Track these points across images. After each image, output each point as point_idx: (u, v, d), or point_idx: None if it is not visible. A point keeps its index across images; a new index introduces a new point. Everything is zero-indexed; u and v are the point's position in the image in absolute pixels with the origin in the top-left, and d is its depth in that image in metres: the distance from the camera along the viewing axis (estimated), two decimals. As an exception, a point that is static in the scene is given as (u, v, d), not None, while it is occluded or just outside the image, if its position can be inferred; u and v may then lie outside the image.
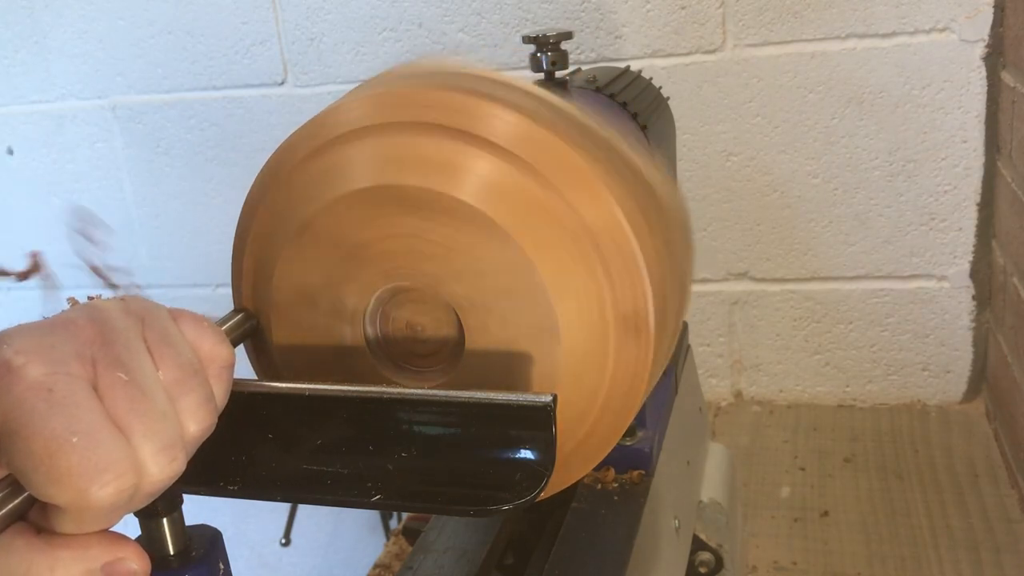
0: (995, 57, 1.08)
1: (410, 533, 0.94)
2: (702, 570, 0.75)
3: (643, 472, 0.65)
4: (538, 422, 0.38)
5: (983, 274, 1.16)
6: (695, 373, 0.88)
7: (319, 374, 0.50)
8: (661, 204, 0.51)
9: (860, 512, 1.02)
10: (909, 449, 1.13)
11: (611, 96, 0.67)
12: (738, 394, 1.31)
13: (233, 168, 1.42)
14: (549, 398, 0.38)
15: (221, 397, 0.38)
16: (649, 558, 0.61)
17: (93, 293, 0.39)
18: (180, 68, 1.40)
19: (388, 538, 1.25)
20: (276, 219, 0.49)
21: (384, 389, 0.40)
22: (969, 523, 0.98)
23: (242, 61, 1.36)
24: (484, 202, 0.44)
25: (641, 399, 0.48)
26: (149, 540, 0.42)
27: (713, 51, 1.17)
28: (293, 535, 1.47)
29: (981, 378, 1.20)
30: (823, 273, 1.22)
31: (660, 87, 0.81)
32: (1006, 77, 1.06)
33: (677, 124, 0.85)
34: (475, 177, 0.45)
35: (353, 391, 0.40)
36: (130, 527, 0.39)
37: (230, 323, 0.49)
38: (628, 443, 0.66)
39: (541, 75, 0.68)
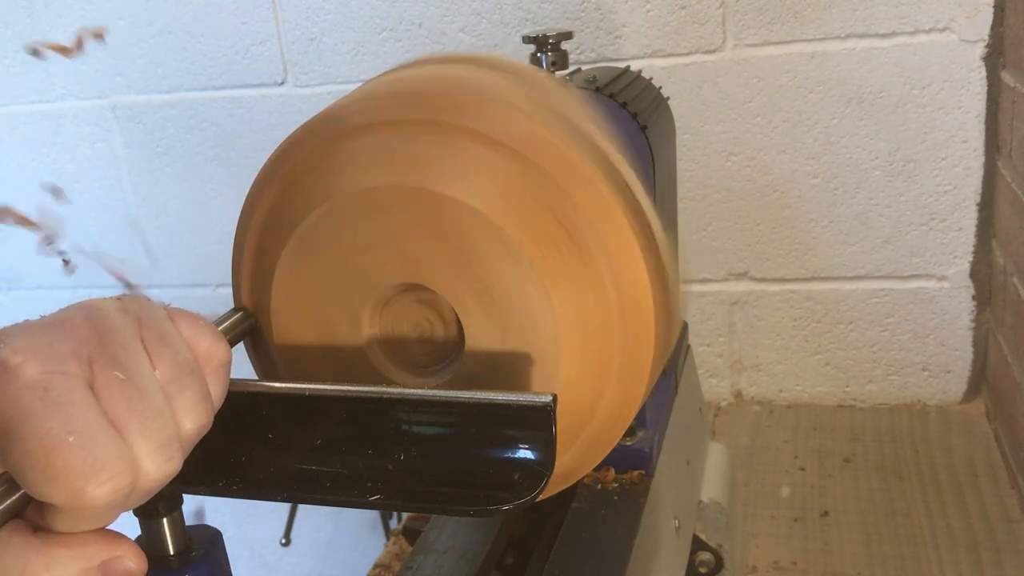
0: (995, 57, 1.08)
1: (410, 533, 0.94)
2: (702, 570, 0.75)
3: (643, 472, 0.65)
4: (538, 422, 0.38)
5: (983, 274, 1.16)
6: (695, 373, 0.88)
7: (319, 374, 0.50)
8: (648, 208, 0.51)
9: (860, 512, 1.02)
10: (909, 449, 1.13)
11: (611, 96, 0.66)
12: (738, 394, 1.31)
13: (233, 168, 1.42)
14: (549, 398, 0.38)
15: (218, 395, 0.38)
16: (649, 558, 0.61)
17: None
18: (180, 68, 1.40)
19: (388, 538, 1.25)
20: (277, 218, 0.49)
21: (384, 389, 0.40)
22: (969, 523, 0.98)
23: (242, 61, 1.36)
24: (485, 203, 0.44)
25: (641, 399, 0.48)
26: (149, 540, 0.42)
27: (713, 51, 1.17)
28: (293, 535, 1.47)
29: (981, 378, 1.20)
30: (823, 273, 1.22)
31: (660, 87, 0.81)
32: (1006, 77, 1.06)
33: (677, 124, 0.85)
34: (477, 177, 0.45)
35: (353, 391, 0.40)
36: (130, 527, 0.39)
37: (228, 322, 0.49)
38: (628, 443, 0.66)
39: (541, 75, 0.68)
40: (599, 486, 0.65)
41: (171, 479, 0.35)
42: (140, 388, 0.34)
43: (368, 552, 1.47)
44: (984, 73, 1.09)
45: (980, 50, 1.08)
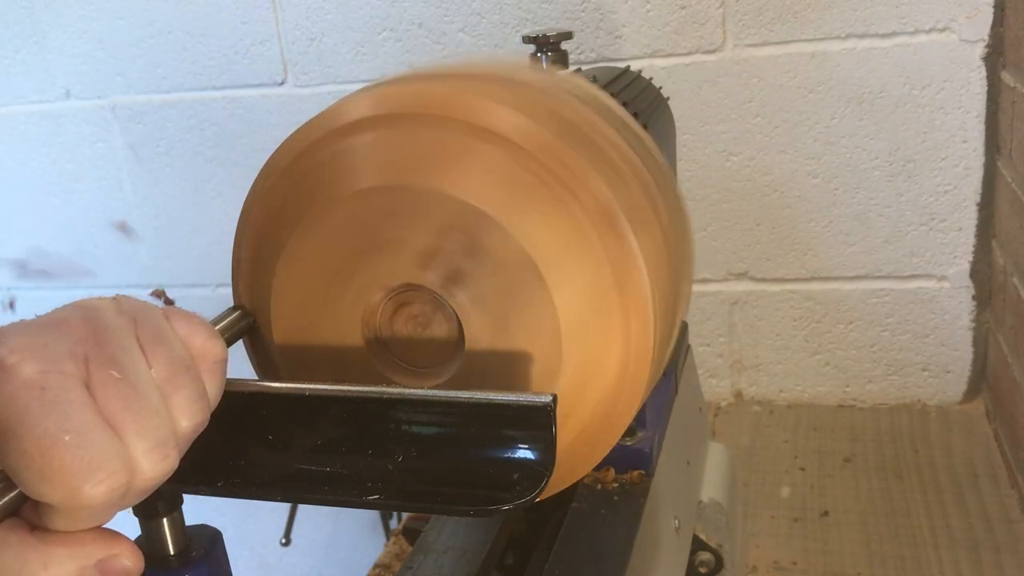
0: (995, 57, 1.08)
1: (410, 533, 0.94)
2: (702, 570, 0.75)
3: (643, 472, 0.65)
4: (538, 422, 0.38)
5: (983, 274, 1.16)
6: (695, 373, 0.88)
7: (319, 374, 0.50)
8: (662, 199, 0.51)
9: (860, 512, 1.02)
10: (909, 449, 1.13)
11: (611, 96, 0.66)
12: (738, 394, 1.31)
13: (233, 168, 1.42)
14: (549, 398, 0.38)
15: (214, 393, 0.38)
16: (649, 558, 0.61)
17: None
18: (180, 68, 1.40)
19: (388, 538, 1.25)
20: (277, 217, 0.49)
21: (384, 389, 0.40)
22: (969, 523, 0.98)
23: (242, 61, 1.36)
24: (486, 202, 0.44)
25: (641, 399, 0.48)
26: (149, 540, 0.42)
27: (713, 51, 1.17)
28: (293, 535, 1.47)
29: (981, 378, 1.20)
30: (823, 273, 1.22)
31: (660, 87, 0.81)
32: (1006, 77, 1.06)
33: (677, 124, 0.85)
34: (477, 176, 0.45)
35: (353, 391, 0.40)
36: (130, 527, 0.39)
37: (226, 320, 0.49)
38: (628, 443, 0.66)
39: (541, 75, 0.68)
40: (599, 486, 0.65)
41: (167, 477, 0.35)
42: (136, 387, 0.34)
43: (368, 552, 1.47)
44: (984, 73, 1.09)
45: (980, 50, 1.08)
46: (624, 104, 0.65)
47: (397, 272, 0.47)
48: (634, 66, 0.83)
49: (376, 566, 1.02)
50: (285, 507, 1.47)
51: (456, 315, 0.47)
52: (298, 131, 0.48)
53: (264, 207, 0.49)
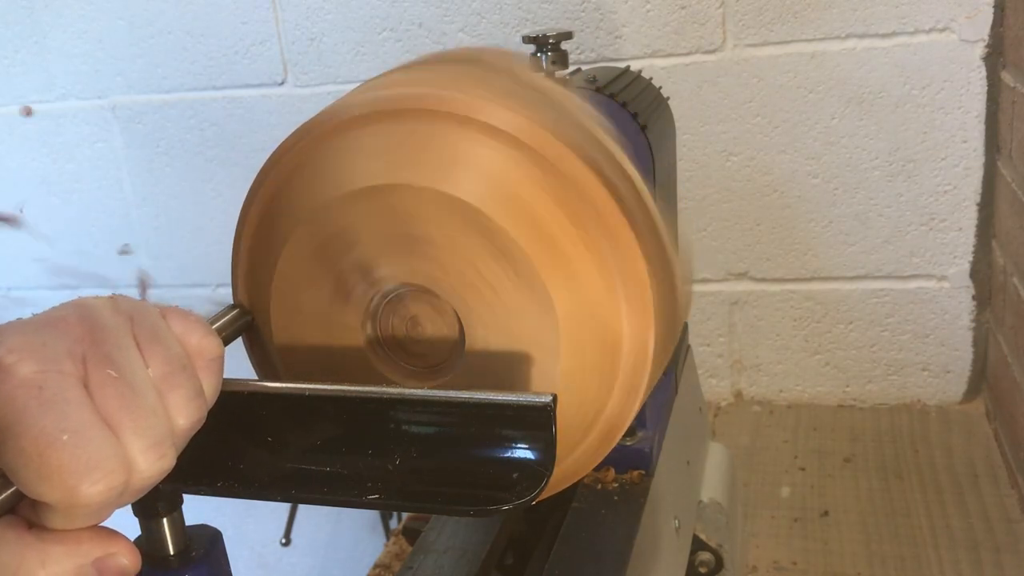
0: (995, 57, 1.08)
1: (410, 533, 0.94)
2: (702, 570, 0.75)
3: (643, 472, 0.65)
4: (538, 422, 0.38)
5: (983, 274, 1.16)
6: (695, 373, 0.88)
7: (319, 373, 0.50)
8: (651, 201, 0.51)
9: (860, 512, 1.02)
10: (909, 449, 1.13)
11: (611, 96, 0.66)
12: (738, 394, 1.31)
13: (233, 168, 1.42)
14: (549, 398, 0.38)
15: (211, 391, 0.38)
16: (649, 558, 0.61)
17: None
18: (180, 68, 1.40)
19: (388, 538, 1.25)
20: (277, 217, 0.49)
21: (384, 389, 0.40)
22: (969, 523, 0.98)
23: (242, 61, 1.36)
24: (486, 202, 0.44)
25: (641, 399, 0.48)
26: (149, 540, 0.42)
27: (713, 51, 1.17)
28: (293, 535, 1.48)
29: (981, 378, 1.20)
30: (823, 273, 1.22)
31: (660, 87, 0.81)
32: (1006, 77, 1.06)
33: (677, 124, 0.85)
34: (478, 175, 0.45)
35: (353, 391, 0.40)
36: (130, 527, 0.39)
37: (224, 319, 0.49)
38: (628, 443, 0.66)
39: (541, 75, 0.68)
40: (599, 486, 0.65)
41: (165, 476, 0.35)
42: (133, 386, 0.34)
43: (368, 552, 1.47)
44: (984, 73, 1.09)
45: (980, 50, 1.08)
46: (624, 104, 0.65)
47: (397, 272, 0.47)
48: (634, 66, 0.83)
49: (376, 566, 1.02)
50: (285, 507, 1.47)
51: (456, 315, 0.47)
52: (297, 130, 0.48)
53: (264, 206, 0.49)
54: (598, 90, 0.67)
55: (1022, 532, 0.96)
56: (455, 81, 0.48)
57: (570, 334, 0.45)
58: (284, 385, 0.42)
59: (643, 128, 0.66)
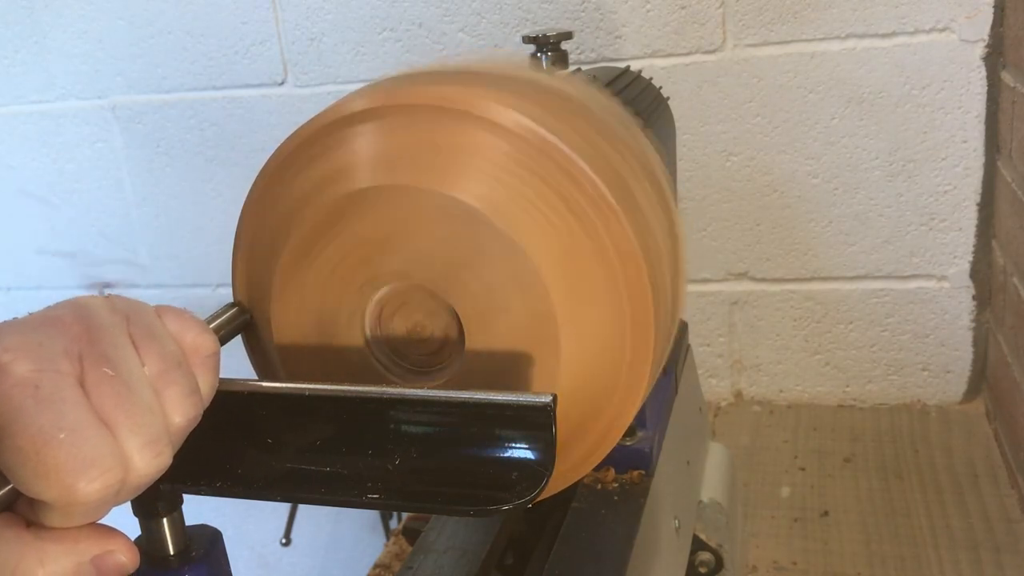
0: (995, 57, 1.08)
1: (410, 533, 0.94)
2: (702, 570, 0.75)
3: (643, 472, 0.65)
4: (538, 422, 0.38)
5: (983, 274, 1.16)
6: (695, 373, 0.88)
7: (318, 373, 0.50)
8: (659, 195, 0.51)
9: (860, 512, 1.02)
10: (909, 449, 1.13)
11: (611, 96, 0.66)
12: (738, 394, 1.31)
13: (233, 168, 1.42)
14: (549, 398, 0.38)
15: (207, 388, 0.39)
16: (649, 558, 0.61)
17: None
18: (180, 68, 1.40)
19: (388, 538, 1.25)
20: (277, 216, 0.49)
21: (384, 389, 0.40)
22: (969, 523, 0.98)
23: (242, 61, 1.36)
24: (486, 204, 0.44)
25: (641, 399, 0.48)
26: (149, 540, 0.42)
27: (713, 51, 1.17)
28: (293, 535, 1.48)
29: (981, 378, 1.20)
30: (823, 273, 1.22)
31: (660, 87, 0.81)
32: (1006, 77, 1.06)
33: (677, 124, 0.85)
34: (479, 175, 0.45)
35: (353, 391, 0.40)
36: (130, 527, 0.39)
37: (222, 317, 0.49)
38: (628, 443, 0.66)
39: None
40: (599, 486, 0.65)
41: (161, 473, 0.35)
42: (129, 384, 0.34)
43: (368, 552, 1.47)
44: (984, 73, 1.09)
45: (980, 50, 1.08)
46: (624, 104, 0.65)
47: (397, 271, 0.47)
48: (634, 66, 0.83)
49: (376, 566, 1.02)
50: (285, 507, 1.47)
51: (456, 315, 0.47)
52: (298, 129, 0.48)
53: (264, 206, 0.49)
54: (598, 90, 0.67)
55: (1022, 532, 0.96)
56: (463, 79, 0.48)
57: (570, 334, 0.45)
58: (284, 385, 0.42)
59: (643, 128, 0.66)
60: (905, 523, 0.99)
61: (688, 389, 0.81)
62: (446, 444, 0.39)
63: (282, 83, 1.36)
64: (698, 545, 0.75)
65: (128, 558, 0.35)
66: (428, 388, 0.42)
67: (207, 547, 0.43)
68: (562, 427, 0.39)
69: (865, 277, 1.20)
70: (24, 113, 1.50)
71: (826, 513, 1.03)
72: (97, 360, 0.34)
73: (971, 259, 1.16)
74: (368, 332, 0.49)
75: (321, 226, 0.47)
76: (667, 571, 0.65)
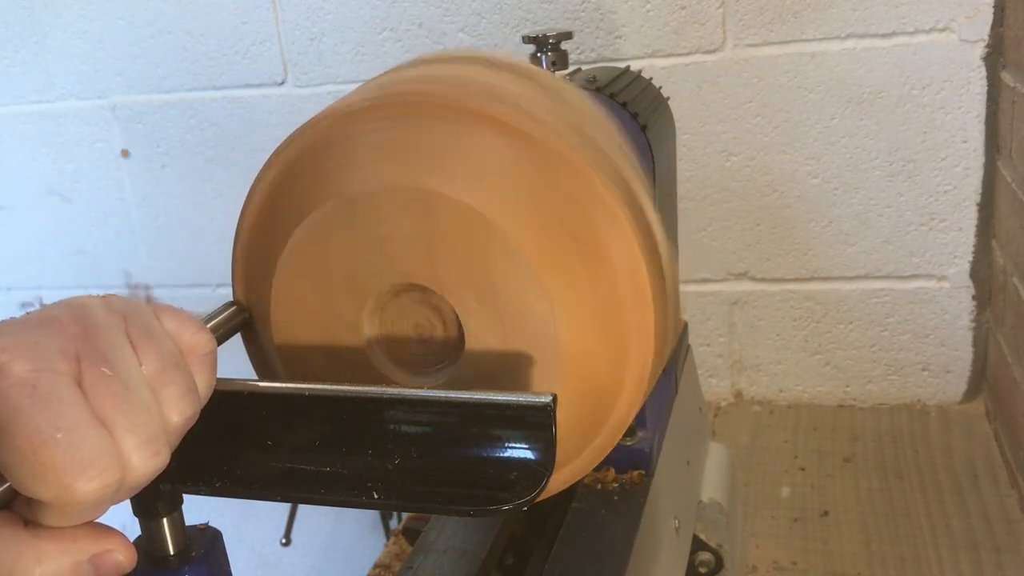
0: (995, 57, 1.08)
1: (410, 533, 0.94)
2: (702, 570, 0.75)
3: (643, 472, 0.65)
4: (538, 422, 0.38)
5: (983, 274, 1.16)
6: (695, 373, 0.88)
7: (319, 374, 0.50)
8: (651, 203, 0.51)
9: (860, 512, 1.02)
10: (909, 449, 1.13)
11: (611, 96, 0.66)
12: (738, 394, 1.31)
13: (233, 168, 1.42)
14: (549, 398, 0.38)
15: (204, 387, 0.39)
16: (649, 558, 0.61)
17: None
18: (180, 68, 1.40)
19: (388, 538, 1.25)
20: (278, 216, 0.49)
21: (384, 389, 0.40)
22: (969, 523, 0.98)
23: (242, 61, 1.36)
24: (487, 204, 0.44)
25: (641, 400, 0.48)
26: (149, 540, 0.42)
27: (713, 51, 1.17)
28: (293, 535, 1.48)
29: (981, 378, 1.20)
30: (823, 273, 1.22)
31: (660, 87, 0.81)
32: (1006, 77, 1.06)
33: (677, 124, 0.85)
34: (479, 176, 0.45)
35: (353, 391, 0.40)
36: (130, 527, 0.39)
37: (221, 316, 0.49)
38: (628, 443, 0.66)
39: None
40: (599, 486, 0.65)
41: (159, 472, 0.35)
42: (127, 384, 0.34)
43: (368, 552, 1.47)
44: (984, 73, 1.09)
45: (980, 50, 1.08)
46: (624, 104, 0.65)
47: (398, 271, 0.47)
48: (634, 66, 0.83)
49: (376, 566, 1.02)
50: (285, 507, 1.47)
51: (456, 315, 0.47)
52: (298, 128, 0.48)
53: (264, 205, 0.49)
54: (598, 90, 0.67)
55: (1022, 532, 0.96)
56: (461, 78, 0.48)
57: (570, 334, 0.45)
58: (284, 385, 0.42)
59: (643, 128, 0.66)
60: (905, 523, 0.99)
61: (688, 389, 0.81)
62: (446, 444, 0.39)
63: (282, 83, 1.36)
64: (698, 545, 0.75)
65: (125, 557, 0.36)
66: (428, 388, 0.42)
67: (207, 547, 0.43)
68: (562, 427, 0.39)
69: (865, 277, 1.20)
70: (24, 113, 1.50)
71: (826, 513, 1.03)
72: (94, 360, 0.34)
73: (971, 259, 1.16)
74: (368, 332, 0.49)
75: (321, 226, 0.47)
76: (667, 571, 0.65)
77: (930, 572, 0.92)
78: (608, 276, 0.45)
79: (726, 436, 1.21)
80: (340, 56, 1.32)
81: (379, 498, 0.40)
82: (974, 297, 1.18)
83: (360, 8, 1.28)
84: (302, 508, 1.47)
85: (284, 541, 1.47)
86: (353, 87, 0.52)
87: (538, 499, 0.38)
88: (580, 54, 1.21)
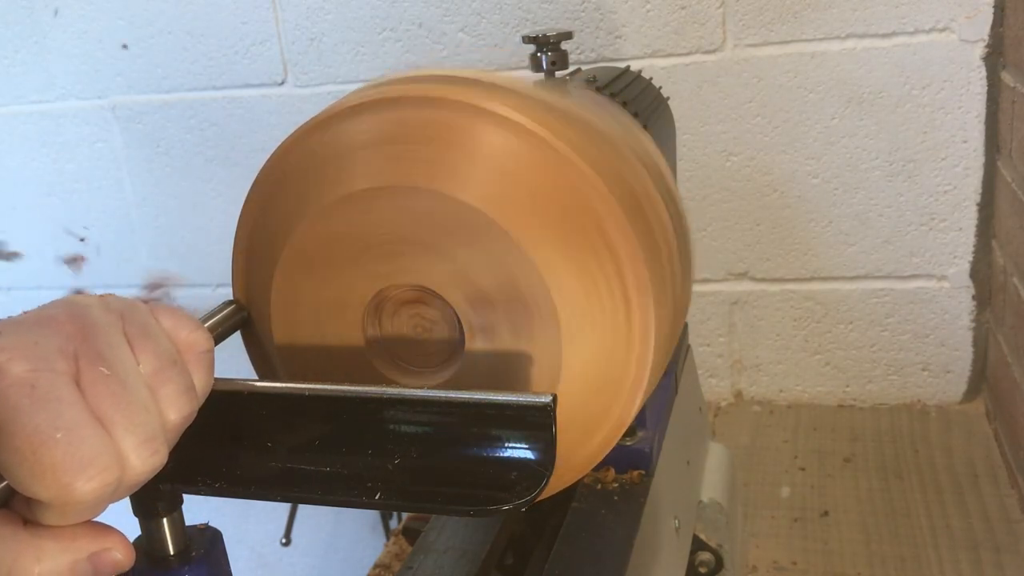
0: (995, 57, 1.08)
1: (410, 533, 0.94)
2: (702, 570, 0.75)
3: (643, 472, 0.65)
4: (538, 422, 0.38)
5: (983, 274, 1.16)
6: (695, 373, 0.88)
7: (318, 373, 0.50)
8: (661, 200, 0.51)
9: (860, 512, 1.02)
10: (909, 449, 1.13)
11: (611, 96, 0.66)
12: (738, 394, 1.31)
13: (233, 168, 1.42)
14: (549, 398, 0.38)
15: (202, 385, 0.39)
16: (649, 558, 0.61)
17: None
18: (180, 68, 1.40)
19: (388, 538, 1.25)
20: (277, 215, 0.49)
21: (384, 389, 0.40)
22: (969, 523, 0.98)
23: (242, 61, 1.36)
24: (488, 204, 0.44)
25: (641, 400, 0.48)
26: (149, 540, 0.42)
27: (713, 51, 1.17)
28: (293, 535, 1.47)
29: (981, 378, 1.20)
30: (823, 273, 1.22)
31: (660, 87, 0.81)
32: (1006, 77, 1.06)
33: (677, 124, 0.85)
34: (478, 175, 0.45)
35: (353, 391, 0.40)
36: (130, 527, 0.39)
37: (220, 315, 0.49)
38: (628, 443, 0.66)
39: (541, 75, 0.68)
40: (599, 486, 0.65)
41: (157, 471, 0.35)
42: (125, 383, 0.34)
43: (368, 552, 1.47)
44: (984, 73, 1.09)
45: (980, 50, 1.08)
46: (624, 104, 0.65)
47: (398, 271, 0.47)
48: (634, 66, 0.83)
49: (376, 566, 1.02)
50: (285, 507, 1.47)
51: (456, 315, 0.47)
52: (298, 128, 0.48)
53: (264, 205, 0.49)
54: (598, 90, 0.67)
55: (1022, 532, 0.96)
56: (462, 81, 0.48)
57: (571, 334, 0.45)
58: (284, 385, 0.42)
59: (643, 128, 0.66)
60: (905, 523, 0.99)
61: (688, 389, 0.81)
62: (446, 444, 0.39)
63: (282, 83, 1.36)
64: (698, 545, 0.75)
65: (124, 555, 0.36)
66: (428, 388, 0.42)
67: (207, 547, 0.43)
68: (562, 427, 0.39)
69: (865, 277, 1.20)
70: (24, 113, 1.50)
71: (826, 513, 1.03)
72: (93, 359, 0.34)
73: (971, 259, 1.16)
74: (368, 332, 0.49)
75: (321, 226, 0.47)
76: (667, 571, 0.65)
77: (930, 572, 0.92)
78: (609, 276, 0.45)
79: (726, 436, 1.21)
80: (340, 56, 1.32)
81: (379, 498, 0.40)
82: (974, 297, 1.18)
83: (360, 8, 1.28)
84: (302, 508, 1.47)
85: (284, 541, 1.47)
86: (353, 87, 0.52)
87: (538, 499, 0.38)
88: (580, 54, 1.21)
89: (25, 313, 0.36)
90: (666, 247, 0.50)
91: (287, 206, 0.48)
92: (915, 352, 1.22)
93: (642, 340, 0.46)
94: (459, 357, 0.47)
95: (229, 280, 0.52)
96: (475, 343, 0.46)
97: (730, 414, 1.28)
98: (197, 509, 0.44)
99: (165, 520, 0.42)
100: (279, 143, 0.49)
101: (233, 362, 0.48)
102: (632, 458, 0.66)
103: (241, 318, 0.50)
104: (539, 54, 0.69)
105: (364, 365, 0.49)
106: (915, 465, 1.09)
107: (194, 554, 0.43)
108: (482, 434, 0.39)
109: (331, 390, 0.40)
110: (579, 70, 0.78)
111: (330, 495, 0.41)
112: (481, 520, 0.64)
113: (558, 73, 0.69)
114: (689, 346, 0.85)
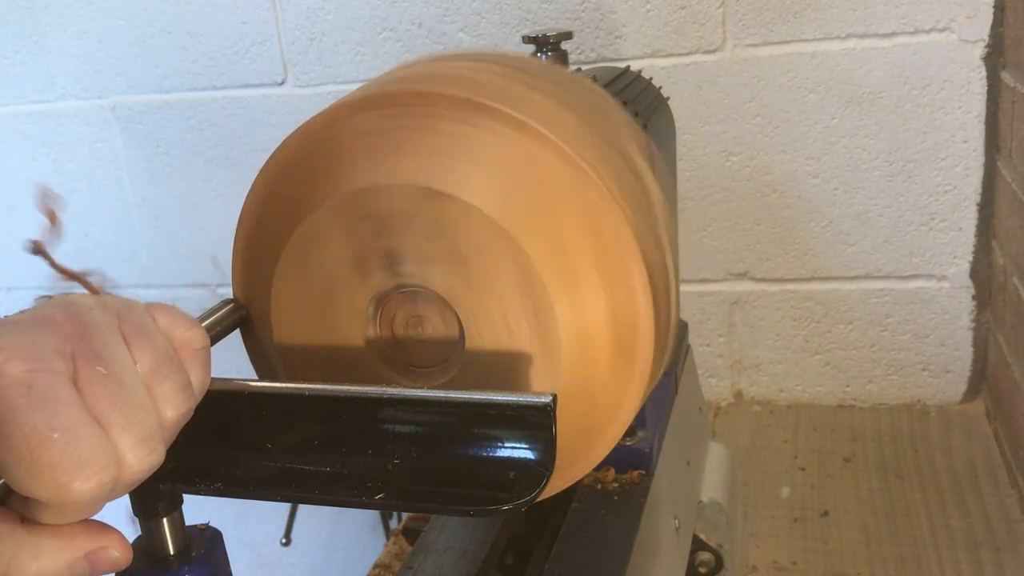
0: (995, 57, 1.08)
1: (410, 533, 0.94)
2: (702, 570, 0.75)
3: (643, 472, 0.65)
4: (538, 422, 0.38)
5: (983, 274, 1.16)
6: (695, 373, 0.88)
7: (318, 373, 0.50)
8: (656, 200, 0.51)
9: (860, 512, 1.02)
10: (909, 449, 1.13)
11: (611, 96, 0.66)
12: (738, 394, 1.31)
13: (233, 168, 1.42)
14: (549, 398, 0.38)
15: (199, 382, 0.39)
16: (649, 558, 0.61)
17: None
18: (180, 68, 1.40)
19: (388, 538, 1.25)
20: (277, 215, 0.49)
21: (384, 389, 0.40)
22: (969, 523, 0.98)
23: (242, 61, 1.36)
24: (488, 203, 0.44)
25: (640, 400, 0.48)
26: (149, 540, 0.42)
27: (713, 51, 1.17)
28: (293, 535, 1.47)
29: (981, 378, 1.20)
30: (823, 273, 1.22)
31: (660, 87, 0.81)
32: (1006, 77, 1.06)
33: (677, 124, 0.85)
34: (478, 175, 0.45)
35: (353, 391, 0.40)
36: (130, 527, 0.39)
37: (218, 313, 0.49)
38: (628, 443, 0.66)
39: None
40: (599, 486, 0.65)
41: (154, 470, 0.35)
42: (122, 382, 0.34)
43: (368, 552, 1.47)
44: (984, 73, 1.09)
45: (980, 50, 1.08)
46: (624, 104, 0.65)
47: (398, 271, 0.47)
48: (634, 66, 0.83)
49: (376, 566, 1.02)
50: (285, 507, 1.47)
51: (457, 315, 0.47)
52: (298, 128, 0.48)
53: (264, 204, 0.49)
54: (598, 90, 0.67)
55: (1022, 532, 0.96)
56: (462, 79, 0.48)
57: (571, 335, 0.45)
58: (284, 385, 0.42)
59: (643, 128, 0.66)
60: (905, 523, 0.99)
61: (688, 389, 0.81)
62: (446, 444, 0.39)
63: (282, 83, 1.36)
64: (698, 545, 0.75)
65: (121, 554, 0.36)
66: (428, 388, 0.42)
67: (207, 547, 0.43)
68: (561, 427, 0.38)
69: (865, 277, 1.20)
70: (24, 113, 1.50)
71: (826, 513, 1.03)
72: (90, 359, 0.34)
73: (971, 259, 1.16)
74: (368, 331, 0.49)
75: (321, 225, 0.47)
76: (667, 571, 0.65)
77: (930, 572, 0.92)
78: (609, 276, 0.45)
79: (726, 436, 1.21)
80: (340, 56, 1.32)
81: (379, 498, 0.40)
82: (974, 297, 1.18)
83: (360, 8, 1.28)
84: (302, 508, 1.47)
85: (284, 541, 1.47)
86: (353, 87, 0.52)
87: (538, 499, 0.38)
88: (580, 54, 1.21)
89: (22, 312, 0.36)
90: (664, 239, 0.50)
91: (287, 205, 0.48)
92: (915, 352, 1.22)
93: (642, 338, 0.46)
94: (459, 357, 0.47)
95: (229, 280, 0.52)
96: (475, 343, 0.46)
97: (730, 414, 1.28)
98: (197, 509, 0.44)
99: (165, 520, 0.42)
100: (279, 143, 0.49)
101: (233, 361, 0.48)
102: (632, 458, 0.66)
103: (240, 317, 0.50)
104: (539, 54, 0.69)
105: (364, 365, 0.49)
106: (915, 465, 1.09)
107: (194, 554, 0.43)
108: (482, 434, 0.39)
109: (331, 390, 0.40)
110: (579, 70, 0.78)
111: (330, 495, 0.41)
112: (481, 520, 0.64)
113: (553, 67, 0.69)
114: (689, 346, 0.85)
